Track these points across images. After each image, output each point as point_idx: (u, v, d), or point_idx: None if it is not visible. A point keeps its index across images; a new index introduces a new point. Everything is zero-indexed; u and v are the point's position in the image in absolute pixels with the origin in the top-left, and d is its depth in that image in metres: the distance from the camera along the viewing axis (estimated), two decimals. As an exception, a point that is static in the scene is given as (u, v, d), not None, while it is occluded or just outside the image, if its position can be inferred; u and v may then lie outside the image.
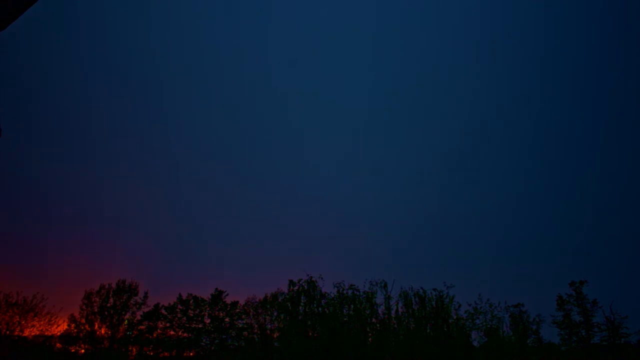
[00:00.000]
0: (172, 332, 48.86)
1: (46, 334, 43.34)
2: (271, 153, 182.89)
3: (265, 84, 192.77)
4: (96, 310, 47.11)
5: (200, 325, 49.22)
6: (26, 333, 41.59)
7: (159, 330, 48.55)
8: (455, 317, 45.27)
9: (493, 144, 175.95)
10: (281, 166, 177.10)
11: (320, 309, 47.22)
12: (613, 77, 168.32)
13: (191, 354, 48.90)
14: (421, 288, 46.97)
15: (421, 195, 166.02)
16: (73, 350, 46.19)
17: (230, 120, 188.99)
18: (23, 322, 40.98)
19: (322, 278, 48.15)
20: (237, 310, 50.18)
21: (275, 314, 48.81)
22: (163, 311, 49.46)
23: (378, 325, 46.00)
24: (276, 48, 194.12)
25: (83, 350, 46.31)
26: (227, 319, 49.72)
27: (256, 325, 49.22)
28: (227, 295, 51.12)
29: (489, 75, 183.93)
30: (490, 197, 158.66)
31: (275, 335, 48.30)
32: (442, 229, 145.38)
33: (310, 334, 46.18)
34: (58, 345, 45.59)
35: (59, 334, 44.95)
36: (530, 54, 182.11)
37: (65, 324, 45.77)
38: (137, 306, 48.34)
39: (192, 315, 49.64)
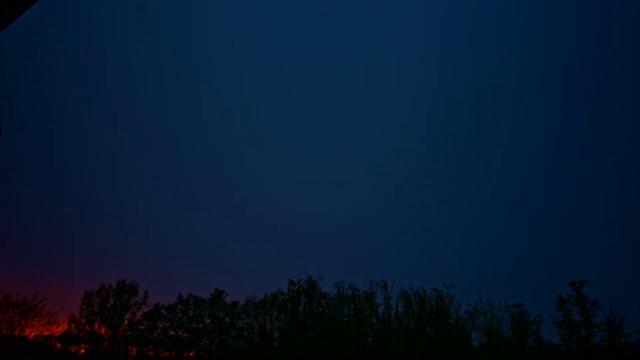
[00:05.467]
0: (172, 332, 48.85)
1: (46, 334, 43.33)
2: (271, 153, 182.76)
3: (273, 83, 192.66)
4: (96, 310, 47.11)
5: (200, 325, 49.21)
6: (26, 333, 41.60)
7: (159, 330, 48.53)
8: (455, 317, 45.27)
9: (493, 144, 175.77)
10: (281, 166, 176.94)
11: (320, 309, 47.22)
12: (613, 76, 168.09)
13: (191, 354, 48.88)
14: (421, 288, 47.00)
15: (421, 195, 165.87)
16: (73, 350, 46.18)
17: (230, 118, 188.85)
18: (23, 322, 40.98)
19: (322, 278, 48.21)
20: (237, 310, 50.17)
21: (275, 314, 48.82)
22: (163, 311, 49.46)
23: (378, 325, 45.99)
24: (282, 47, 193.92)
25: (83, 350, 46.31)
26: (227, 319, 49.71)
27: (256, 325, 49.22)
28: (227, 295, 51.18)
29: (485, 77, 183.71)
30: (490, 197, 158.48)
31: (275, 335, 48.29)
32: (442, 229, 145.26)
33: (310, 334, 46.17)
34: (58, 345, 45.58)
35: (58, 334, 44.94)
36: (523, 53, 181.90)
37: (65, 324, 45.83)
38: (137, 306, 48.36)
39: (192, 315, 49.62)
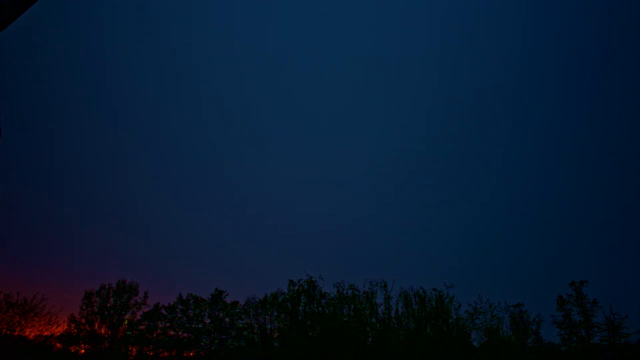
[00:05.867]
0: (172, 332, 48.84)
1: (46, 334, 43.32)
2: (271, 153, 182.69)
3: (274, 83, 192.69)
4: (96, 310, 47.11)
5: (200, 325, 49.20)
6: (26, 333, 41.60)
7: (159, 330, 48.52)
8: (455, 317, 45.27)
9: (493, 144, 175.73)
10: (281, 166, 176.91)
11: (320, 309, 47.22)
12: (613, 76, 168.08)
13: (191, 354, 48.88)
14: (421, 288, 47.00)
15: (421, 195, 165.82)
16: (73, 350, 46.18)
17: (230, 118, 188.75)
18: (23, 322, 40.97)
19: (322, 278, 48.21)
20: (237, 310, 50.17)
21: (275, 314, 48.81)
22: (163, 311, 49.45)
23: (378, 325, 45.98)
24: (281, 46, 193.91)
25: (83, 350, 46.30)
26: (227, 319, 49.70)
27: (256, 325, 49.22)
28: (227, 295, 51.17)
29: (485, 77, 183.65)
30: (490, 197, 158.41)
31: (275, 335, 48.28)
32: (442, 229, 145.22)
33: (310, 334, 46.16)
34: (58, 345, 45.57)
35: (58, 334, 44.94)
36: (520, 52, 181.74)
37: (65, 324, 45.83)
38: (137, 306, 48.36)
39: (192, 315, 49.62)
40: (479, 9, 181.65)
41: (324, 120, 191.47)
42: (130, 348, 47.55)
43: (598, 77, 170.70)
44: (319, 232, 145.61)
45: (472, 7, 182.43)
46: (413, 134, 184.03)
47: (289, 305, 47.61)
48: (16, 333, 40.74)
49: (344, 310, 47.04)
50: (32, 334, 42.26)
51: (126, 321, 47.52)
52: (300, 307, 47.42)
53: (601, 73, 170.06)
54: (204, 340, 49.03)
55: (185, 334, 48.77)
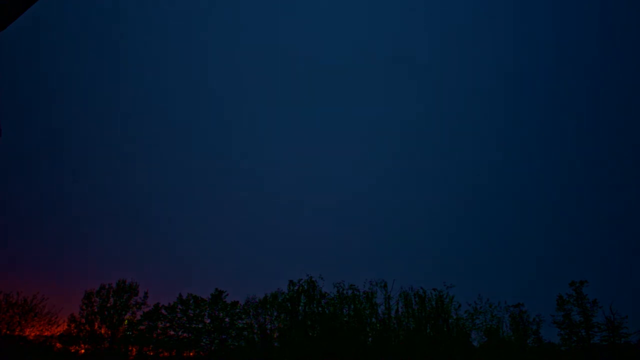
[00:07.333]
0: (172, 332, 48.85)
1: (46, 334, 43.32)
2: (272, 154, 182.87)
3: (272, 89, 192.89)
4: (96, 310, 47.11)
5: (200, 325, 49.20)
6: (26, 333, 41.60)
7: (159, 330, 48.52)
8: (455, 317, 45.27)
9: (494, 144, 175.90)
10: (281, 167, 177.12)
11: (320, 309, 47.23)
12: (613, 76, 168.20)
13: (191, 354, 48.88)
14: (421, 288, 47.01)
15: (421, 195, 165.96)
16: (73, 350, 46.18)
17: (233, 120, 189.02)
18: (23, 322, 40.97)
19: (322, 278, 48.24)
20: (237, 310, 50.17)
21: (275, 314, 48.82)
22: (163, 311, 49.46)
23: (378, 325, 45.98)
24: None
25: (83, 350, 46.30)
26: (227, 319, 49.70)
27: (256, 325, 49.22)
28: (227, 295, 51.18)
29: (485, 78, 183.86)
30: (490, 198, 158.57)
31: (275, 335, 48.29)
32: (442, 229, 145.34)
33: (310, 334, 46.16)
34: (58, 345, 45.58)
35: (59, 334, 44.94)
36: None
37: (65, 324, 45.83)
38: (137, 306, 48.37)
39: (192, 315, 49.62)
40: (476, 8, 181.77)
41: (324, 118, 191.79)
42: (130, 348, 47.55)
43: (598, 77, 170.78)
44: (319, 232, 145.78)
45: (470, 6, 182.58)
46: (412, 133, 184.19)
47: (289, 305, 47.62)
48: (16, 333, 40.74)
49: (344, 310, 47.06)
50: (32, 334, 42.28)
51: (126, 321, 47.53)
52: (300, 307, 47.44)
53: (601, 73, 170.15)
54: (204, 340, 49.03)
55: (185, 334, 48.77)
